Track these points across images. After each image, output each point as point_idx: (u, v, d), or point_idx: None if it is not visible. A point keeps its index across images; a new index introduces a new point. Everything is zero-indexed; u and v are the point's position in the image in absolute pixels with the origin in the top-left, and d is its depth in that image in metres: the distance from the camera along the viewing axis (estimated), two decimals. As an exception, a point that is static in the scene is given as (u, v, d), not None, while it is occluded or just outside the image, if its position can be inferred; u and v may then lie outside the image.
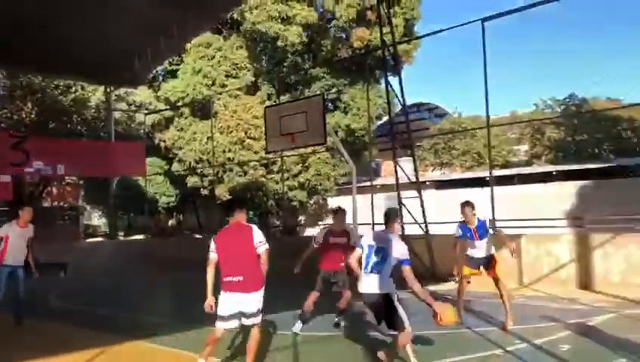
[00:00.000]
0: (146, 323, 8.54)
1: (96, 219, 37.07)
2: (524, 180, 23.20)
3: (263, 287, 5.08)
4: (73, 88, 23.29)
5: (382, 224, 5.65)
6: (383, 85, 24.71)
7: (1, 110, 21.92)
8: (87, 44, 16.53)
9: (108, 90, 20.94)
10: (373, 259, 5.30)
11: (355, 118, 23.32)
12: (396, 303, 5.26)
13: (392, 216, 5.62)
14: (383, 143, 25.70)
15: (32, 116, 22.11)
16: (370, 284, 5.24)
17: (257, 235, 5.11)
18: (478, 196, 10.13)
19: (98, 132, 22.89)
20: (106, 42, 16.71)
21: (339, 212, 7.33)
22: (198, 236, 25.30)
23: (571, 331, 6.66)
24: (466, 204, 7.29)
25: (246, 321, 5.05)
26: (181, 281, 14.43)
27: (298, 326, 7.00)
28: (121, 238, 25.77)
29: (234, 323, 5.07)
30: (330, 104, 23.62)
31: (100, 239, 28.72)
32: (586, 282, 9.87)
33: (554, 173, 22.75)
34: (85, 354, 6.18)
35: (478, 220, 7.21)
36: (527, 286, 10.17)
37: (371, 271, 5.26)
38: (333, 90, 23.61)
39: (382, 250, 5.28)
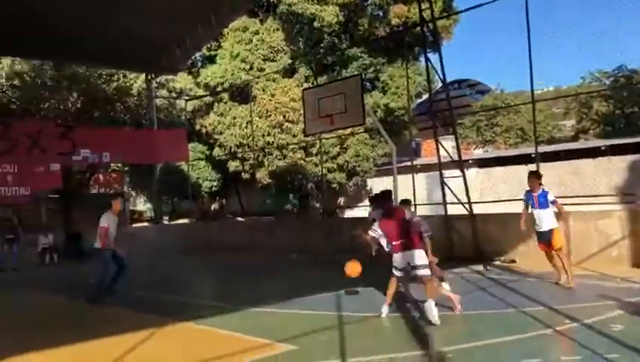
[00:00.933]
0: (191, 305, 8.74)
1: (142, 204, 38.00)
2: (571, 156, 22.45)
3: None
4: (115, 77, 23.71)
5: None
6: (422, 63, 24.30)
7: (48, 101, 22.53)
8: (127, 33, 16.81)
9: (149, 77, 21.25)
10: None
11: (393, 97, 23.03)
12: None
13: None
14: (423, 122, 25.31)
15: (78, 106, 22.67)
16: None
17: (407, 214, 6.97)
18: (523, 173, 9.84)
19: (140, 119, 23.28)
20: (146, 30, 16.95)
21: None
22: (240, 219, 25.62)
23: (624, 311, 6.43)
24: (531, 174, 8.50)
25: (418, 272, 6.51)
26: (224, 264, 14.70)
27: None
28: (166, 223, 26.31)
29: (403, 272, 6.70)
30: (368, 84, 23.40)
31: (145, 224, 29.46)
32: (639, 260, 9.53)
33: (602, 147, 21.87)
34: (137, 334, 6.35)
35: (542, 190, 8.19)
36: (576, 265, 9.89)
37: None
38: (371, 69, 23.35)
39: None
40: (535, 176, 8.35)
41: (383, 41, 22.91)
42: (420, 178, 17.35)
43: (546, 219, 8.09)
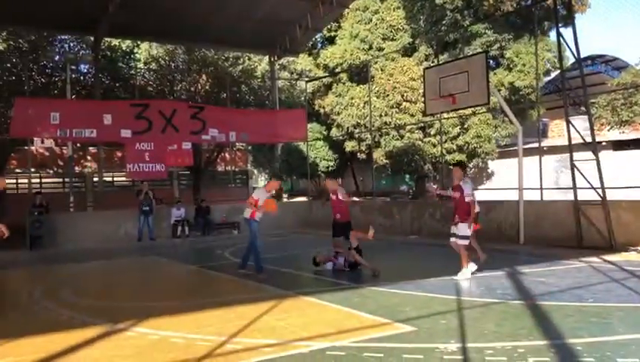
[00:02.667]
0: (310, 280, 9.05)
1: (263, 182, 39.67)
2: None
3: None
4: (241, 59, 24.83)
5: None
6: (551, 38, 22.78)
7: (180, 83, 24.16)
8: (253, 16, 17.50)
9: (272, 59, 21.96)
10: None
11: (519, 75, 21.88)
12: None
13: None
14: (550, 101, 23.84)
15: (207, 87, 24.07)
16: None
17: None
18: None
19: (263, 100, 24.22)
20: (270, 13, 17.53)
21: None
22: (355, 199, 25.84)
23: None
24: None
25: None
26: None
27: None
28: (285, 200, 27.25)
29: None
30: (492, 61, 22.42)
31: (266, 200, 30.60)
32: None
33: None
34: (261, 306, 6.69)
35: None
36: None
37: None
38: (496, 46, 22.31)
39: None
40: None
41: (510, 16, 21.75)
42: (548, 161, 16.40)
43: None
